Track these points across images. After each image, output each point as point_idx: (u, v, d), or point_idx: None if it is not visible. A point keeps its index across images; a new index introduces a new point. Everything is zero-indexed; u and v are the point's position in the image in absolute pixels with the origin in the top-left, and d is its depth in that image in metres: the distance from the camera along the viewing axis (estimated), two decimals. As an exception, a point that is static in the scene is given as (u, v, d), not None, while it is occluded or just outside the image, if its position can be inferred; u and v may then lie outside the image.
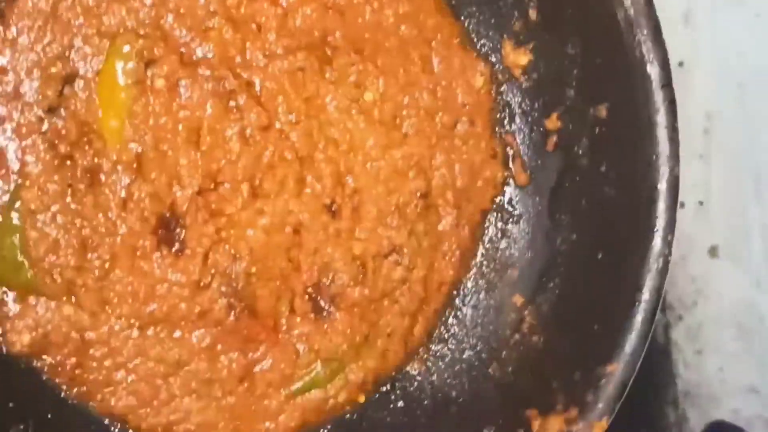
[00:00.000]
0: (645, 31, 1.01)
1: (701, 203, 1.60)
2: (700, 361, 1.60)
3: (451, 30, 1.19)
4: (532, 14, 1.15)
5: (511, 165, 1.21)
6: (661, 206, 1.02)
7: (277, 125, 1.08)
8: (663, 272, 1.01)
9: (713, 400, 1.57)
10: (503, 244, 1.21)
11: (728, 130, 1.59)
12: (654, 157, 1.02)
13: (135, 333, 1.04)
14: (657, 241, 1.01)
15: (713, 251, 1.60)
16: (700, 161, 1.60)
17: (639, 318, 1.01)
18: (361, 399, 1.14)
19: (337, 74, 1.11)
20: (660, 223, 1.01)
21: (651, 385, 1.56)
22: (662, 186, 1.02)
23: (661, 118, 1.02)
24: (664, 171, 1.02)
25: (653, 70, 1.01)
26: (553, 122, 1.16)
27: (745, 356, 1.59)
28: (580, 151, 1.13)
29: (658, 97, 1.01)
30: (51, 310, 1.02)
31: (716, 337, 1.59)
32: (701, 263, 1.59)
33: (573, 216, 1.14)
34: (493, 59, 1.21)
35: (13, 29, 1.03)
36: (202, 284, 1.05)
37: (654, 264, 1.01)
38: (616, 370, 1.00)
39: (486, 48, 1.21)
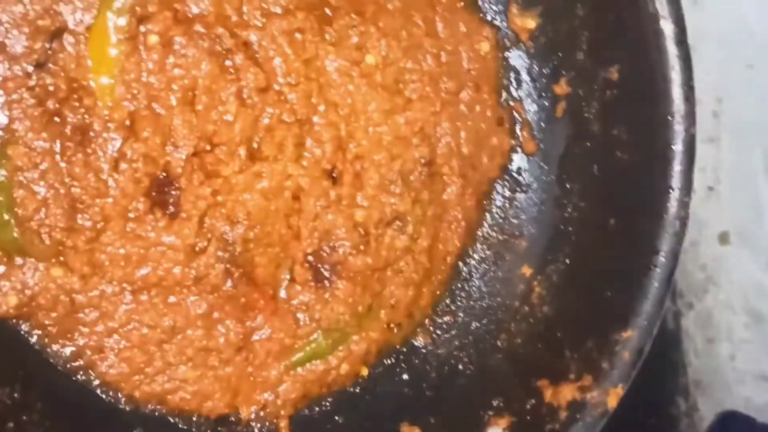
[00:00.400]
0: (658, -14, 0.98)
1: (711, 188, 1.59)
2: (712, 349, 1.59)
3: (455, -7, 1.17)
4: (540, -25, 1.13)
5: (518, 132, 1.19)
6: (677, 167, 0.99)
7: (276, 87, 1.05)
8: (680, 235, 0.98)
9: (724, 388, 1.56)
10: (511, 213, 1.18)
11: (738, 113, 1.58)
12: (668, 117, 0.99)
13: (128, 297, 1.01)
14: (673, 203, 0.98)
15: (724, 237, 1.59)
16: (710, 145, 1.58)
17: (655, 282, 0.97)
18: (365, 372, 1.11)
19: (337, 36, 1.08)
20: (676, 183, 0.98)
21: (661, 375, 1.54)
22: (678, 146, 0.99)
23: (675, 75, 0.99)
24: (679, 130, 0.99)
25: (667, 25, 0.99)
26: (562, 87, 1.14)
27: (757, 343, 1.57)
28: (591, 116, 1.10)
29: (673, 53, 0.99)
30: (39, 271, 0.99)
31: (727, 325, 1.58)
32: (712, 250, 1.58)
33: (584, 183, 1.12)
34: (499, 23, 1.18)
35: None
36: (197, 249, 1.01)
37: (670, 227, 0.98)
38: (632, 336, 0.97)
39: (492, 12, 1.19)
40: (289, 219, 1.05)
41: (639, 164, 1.03)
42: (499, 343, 1.12)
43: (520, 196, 1.18)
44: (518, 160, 1.18)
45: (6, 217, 0.97)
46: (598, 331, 1.00)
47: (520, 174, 1.18)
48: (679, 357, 1.56)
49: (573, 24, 1.10)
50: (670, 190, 0.99)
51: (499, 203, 1.18)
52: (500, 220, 1.18)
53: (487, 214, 1.18)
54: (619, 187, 1.06)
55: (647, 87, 1.01)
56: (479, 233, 1.18)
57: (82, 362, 1.01)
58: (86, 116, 0.99)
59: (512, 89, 1.18)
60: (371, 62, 1.09)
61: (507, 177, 1.18)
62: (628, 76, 1.04)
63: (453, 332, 1.15)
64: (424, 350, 1.14)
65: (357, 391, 1.11)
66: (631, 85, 1.04)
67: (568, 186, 1.13)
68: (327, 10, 1.09)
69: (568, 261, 1.10)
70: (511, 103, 1.18)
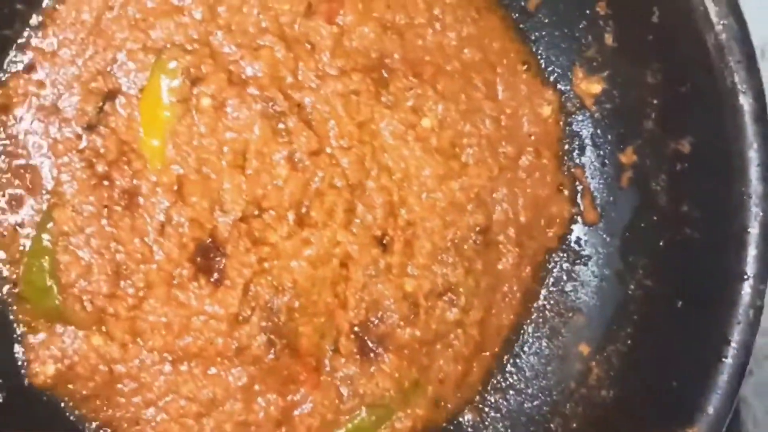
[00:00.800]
0: (738, 58, 0.92)
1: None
2: (773, 419, 1.48)
3: (517, 55, 1.13)
4: (608, 39, 1.08)
5: (579, 201, 1.13)
6: (752, 252, 0.92)
7: (328, 150, 1.02)
8: (754, 325, 0.91)
9: (785, 459, 1.45)
10: (569, 287, 1.12)
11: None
12: (745, 197, 0.93)
13: (167, 368, 0.97)
14: (747, 290, 0.92)
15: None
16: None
17: (725, 376, 0.90)
18: (409, 451, 1.05)
19: (394, 98, 1.05)
20: (750, 269, 0.92)
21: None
22: (754, 229, 0.92)
23: (753, 154, 0.93)
24: (756, 212, 0.93)
25: (746, 101, 0.93)
26: (628, 156, 1.08)
27: (822, 414, 1.46)
28: (659, 189, 1.05)
29: (751, 131, 0.93)
30: (79, 339, 0.96)
31: (790, 394, 1.48)
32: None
33: (649, 259, 1.05)
34: (563, 87, 1.14)
35: (54, 41, 0.99)
36: (241, 318, 0.98)
37: (744, 316, 0.91)
38: (699, 434, 0.89)
39: (555, 75, 1.14)
40: (336, 287, 1.01)
41: (710, 245, 0.96)
42: (552, 427, 1.06)
43: (579, 268, 1.12)
44: (578, 230, 1.13)
45: (49, 282, 0.95)
46: (661, 423, 0.93)
47: (579, 245, 1.13)
48: (736, 426, 1.47)
49: (642, 91, 1.04)
50: (745, 277, 0.92)
51: (556, 275, 1.13)
52: (557, 294, 1.12)
53: (543, 287, 1.13)
54: (688, 267, 0.99)
55: (721, 163, 0.95)
56: (534, 306, 1.12)
57: (118, 435, 0.98)
58: (135, 179, 0.97)
59: (575, 155, 1.13)
60: (427, 126, 1.05)
61: (566, 247, 1.13)
62: (701, 150, 0.98)
63: (503, 411, 1.09)
64: (471, 429, 1.09)
65: (400, 471, 1.06)
66: (704, 160, 0.98)
67: (631, 260, 1.07)
68: (384, 72, 1.05)
69: (629, 342, 1.04)
70: (573, 170, 1.13)
